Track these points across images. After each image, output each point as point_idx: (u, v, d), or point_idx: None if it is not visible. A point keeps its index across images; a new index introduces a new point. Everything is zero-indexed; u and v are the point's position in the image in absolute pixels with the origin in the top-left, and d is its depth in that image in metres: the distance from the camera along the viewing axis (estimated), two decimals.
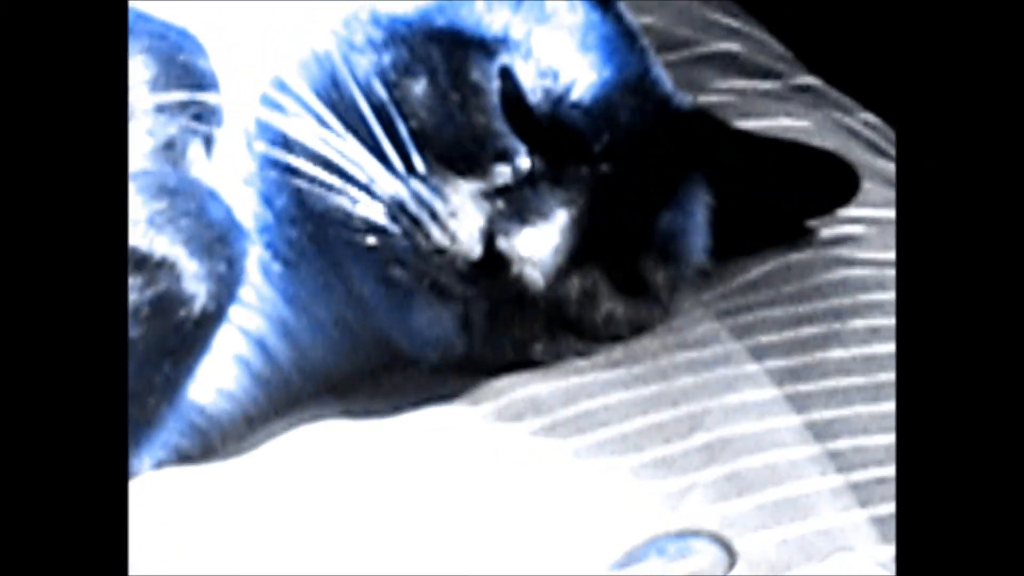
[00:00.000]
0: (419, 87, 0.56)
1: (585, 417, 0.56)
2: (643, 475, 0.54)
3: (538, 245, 0.54)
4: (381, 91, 0.56)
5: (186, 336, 0.52)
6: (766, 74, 0.79)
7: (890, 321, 0.59)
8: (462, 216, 0.54)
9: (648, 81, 0.62)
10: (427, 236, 0.53)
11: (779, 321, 0.61)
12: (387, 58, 0.57)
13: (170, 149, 0.54)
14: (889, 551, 0.50)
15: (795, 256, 0.64)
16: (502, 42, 0.58)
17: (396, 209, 0.54)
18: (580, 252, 0.56)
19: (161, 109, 0.54)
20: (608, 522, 0.52)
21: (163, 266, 0.51)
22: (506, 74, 0.57)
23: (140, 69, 0.54)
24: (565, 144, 0.57)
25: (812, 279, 0.63)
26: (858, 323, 0.59)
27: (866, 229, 0.66)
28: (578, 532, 0.52)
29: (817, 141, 0.70)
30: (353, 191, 0.55)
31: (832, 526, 0.51)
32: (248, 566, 0.50)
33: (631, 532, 0.51)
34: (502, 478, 0.54)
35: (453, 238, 0.53)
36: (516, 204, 0.55)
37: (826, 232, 0.66)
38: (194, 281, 0.52)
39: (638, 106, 0.60)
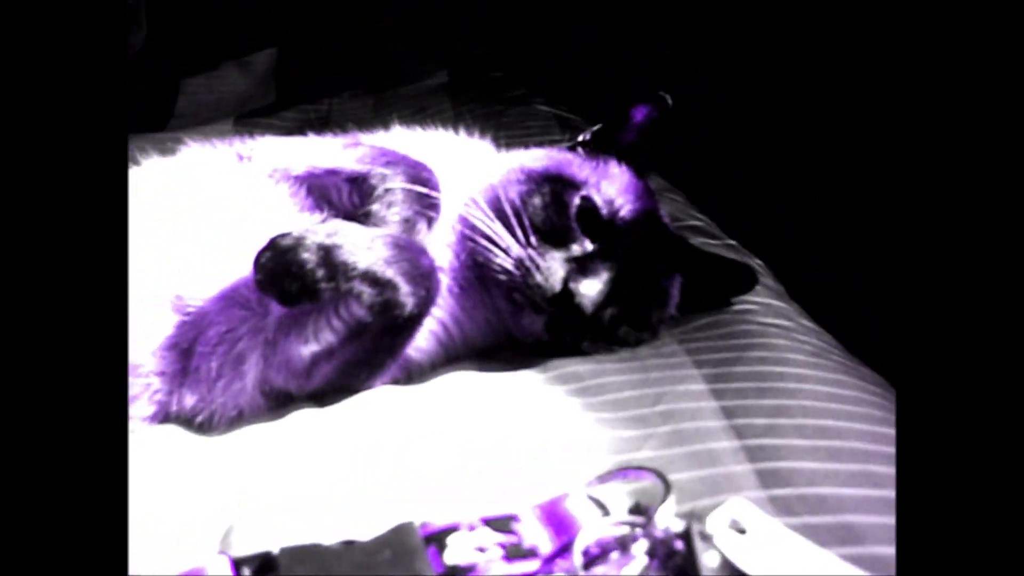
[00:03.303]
0: (538, 202, 0.76)
1: (599, 387, 0.70)
2: (624, 425, 0.65)
3: (590, 289, 0.72)
4: (518, 203, 0.76)
5: (399, 325, 0.69)
6: (712, 236, 1.05)
7: (769, 354, 0.75)
8: (552, 270, 0.72)
9: (656, 215, 0.83)
10: (533, 279, 0.72)
11: (711, 347, 0.78)
12: (524, 188, 0.78)
13: (407, 223, 0.73)
14: (762, 494, 0.56)
15: (722, 315, 0.85)
16: (584, 183, 0.79)
17: (519, 264, 0.73)
18: (612, 296, 0.74)
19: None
20: (600, 450, 0.63)
21: (388, 285, 0.67)
22: (586, 199, 0.76)
23: (402, 181, 0.72)
24: (612, 237, 0.76)
25: (730, 327, 0.82)
26: (752, 353, 0.76)
27: (757, 306, 0.86)
28: (582, 454, 0.63)
29: (739, 261, 0.93)
30: (499, 252, 0.74)
31: (730, 473, 0.60)
32: (428, 436, 0.66)
33: (612, 460, 0.60)
34: (548, 412, 0.69)
35: (547, 281, 0.72)
36: (581, 266, 0.73)
37: (738, 306, 0.87)
38: (406, 296, 0.68)
39: (650, 226, 0.80)
